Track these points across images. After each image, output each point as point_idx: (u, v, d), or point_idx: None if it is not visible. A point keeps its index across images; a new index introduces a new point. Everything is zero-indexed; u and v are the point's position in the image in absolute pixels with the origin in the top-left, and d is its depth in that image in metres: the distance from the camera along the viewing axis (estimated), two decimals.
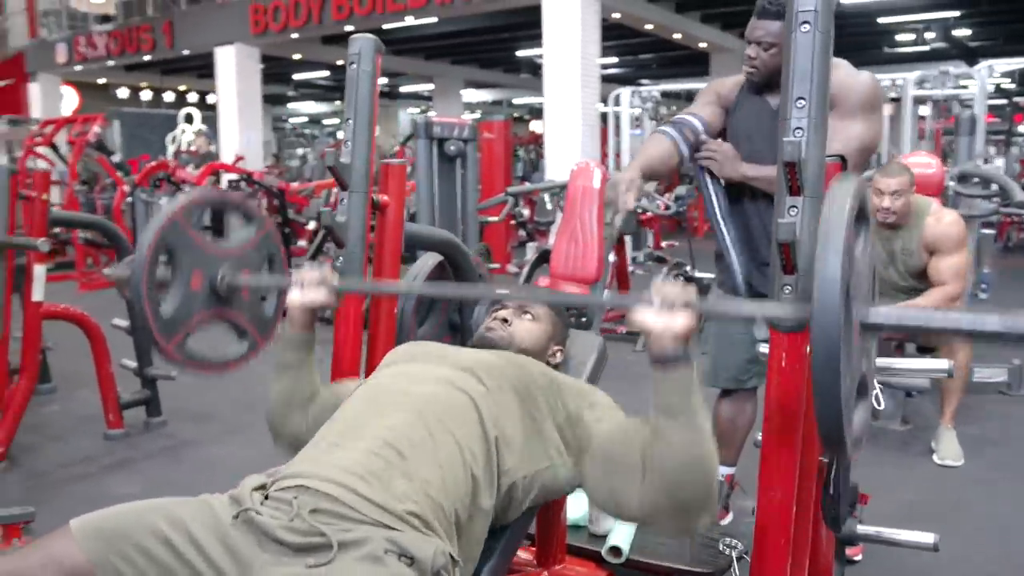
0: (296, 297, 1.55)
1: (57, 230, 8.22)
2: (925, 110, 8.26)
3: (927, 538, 1.90)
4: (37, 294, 3.28)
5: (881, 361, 1.87)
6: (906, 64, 12.59)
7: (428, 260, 2.35)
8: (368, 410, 1.39)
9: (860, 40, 15.54)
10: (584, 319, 5.17)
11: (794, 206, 1.48)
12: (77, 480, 3.11)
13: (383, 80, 21.33)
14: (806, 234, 1.49)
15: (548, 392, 1.47)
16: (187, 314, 1.70)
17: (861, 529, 1.95)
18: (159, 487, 3.21)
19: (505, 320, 1.69)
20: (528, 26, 11.80)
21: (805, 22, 1.46)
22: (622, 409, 1.50)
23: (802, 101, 1.46)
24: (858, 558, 2.43)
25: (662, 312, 1.19)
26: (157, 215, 1.71)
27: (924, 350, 3.46)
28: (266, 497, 1.26)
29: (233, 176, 7.21)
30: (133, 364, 3.72)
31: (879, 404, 1.98)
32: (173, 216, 1.66)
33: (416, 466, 1.27)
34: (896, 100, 8.07)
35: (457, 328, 2.47)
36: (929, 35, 13.39)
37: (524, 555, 1.95)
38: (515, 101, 26.48)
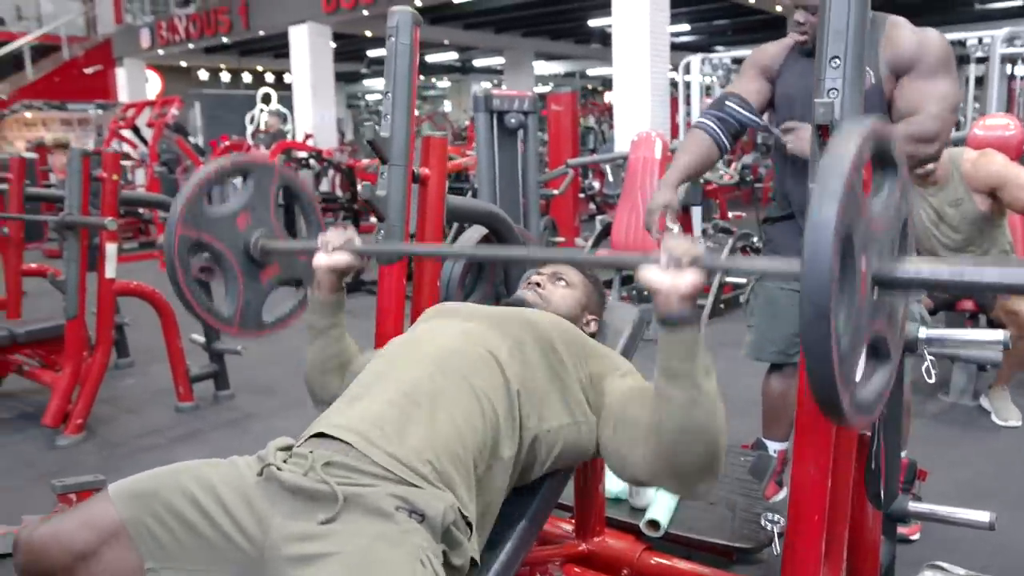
0: (322, 259, 1.57)
1: (141, 211, 8.56)
2: (1019, 70, 7.80)
3: (983, 516, 1.82)
4: (109, 271, 3.41)
5: (932, 332, 1.80)
6: (995, 21, 11.95)
7: (472, 234, 2.35)
8: (390, 364, 1.42)
9: None
10: (646, 292, 5.12)
11: None
12: (148, 450, 3.25)
13: (454, 55, 21.39)
14: None
15: (573, 349, 1.47)
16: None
17: (912, 506, 1.89)
18: (224, 457, 3.31)
19: (539, 285, 1.69)
20: None
21: None
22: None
23: (836, 61, 1.40)
24: (915, 537, 2.35)
25: (669, 269, 1.14)
26: (194, 172, 1.74)
27: (994, 325, 3.34)
28: (291, 456, 1.29)
29: (303, 154, 7.33)
30: (202, 339, 3.84)
31: (930, 376, 1.91)
32: (196, 187, 1.69)
33: (433, 415, 1.28)
34: (983, 60, 7.67)
35: (503, 299, 2.48)
36: None
37: (564, 526, 1.96)
38: (588, 72, 26.17)
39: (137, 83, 18.24)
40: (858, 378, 1.01)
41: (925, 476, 2.48)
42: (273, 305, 1.87)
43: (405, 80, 1.99)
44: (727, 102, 2.31)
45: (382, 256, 1.99)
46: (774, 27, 15.13)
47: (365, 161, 9.60)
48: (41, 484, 2.66)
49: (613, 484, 2.06)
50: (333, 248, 1.56)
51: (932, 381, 1.91)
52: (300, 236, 2.12)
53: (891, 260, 1.03)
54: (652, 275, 1.15)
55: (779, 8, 13.99)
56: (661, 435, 1.25)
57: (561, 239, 6.92)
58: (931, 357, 1.89)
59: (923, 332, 1.80)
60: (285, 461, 1.26)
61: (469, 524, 1.24)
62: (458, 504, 1.22)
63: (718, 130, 2.29)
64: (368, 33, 15.64)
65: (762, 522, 1.87)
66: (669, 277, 1.14)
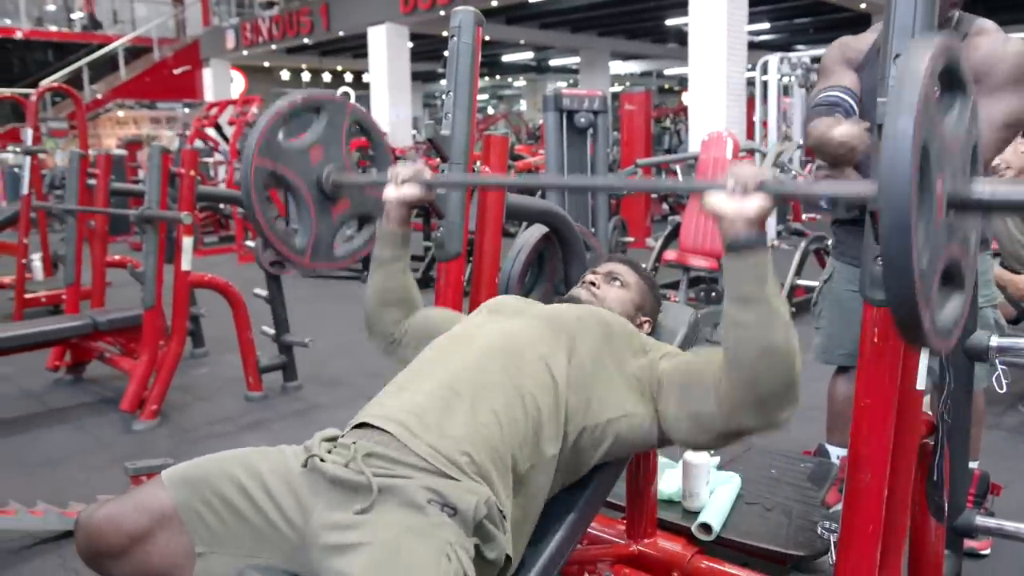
0: (392, 192, 1.62)
1: (221, 205, 8.81)
2: None
3: None
4: (185, 263, 3.53)
5: (1004, 340, 1.73)
6: None
7: (533, 231, 2.36)
8: (437, 356, 1.44)
9: None
10: (714, 294, 5.05)
11: None
12: (217, 437, 3.36)
13: (530, 55, 21.43)
14: None
15: (625, 341, 1.46)
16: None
17: (979, 521, 1.82)
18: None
19: (593, 283, 1.69)
20: None
21: None
22: None
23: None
24: (986, 552, 2.27)
25: (735, 194, 1.15)
26: (271, 105, 1.78)
27: None
28: (335, 446, 1.32)
29: None
30: (272, 331, 3.94)
31: (1001, 387, 1.83)
32: (272, 119, 1.73)
33: (474, 408, 1.29)
34: None
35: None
36: None
37: (615, 527, 1.95)
38: (665, 72, 25.90)
39: (222, 83, 18.82)
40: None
41: (999, 490, 2.38)
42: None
43: (467, 79, 2.01)
44: (833, 92, 2.12)
45: (441, 254, 2.01)
46: (858, 25, 14.70)
47: (438, 159, 9.69)
48: (116, 466, 2.77)
49: (666, 485, 2.04)
50: (402, 180, 1.60)
51: (1003, 391, 1.84)
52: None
53: (965, 181, 1.01)
54: (718, 200, 1.16)
55: (863, 5, 13.60)
56: (740, 365, 1.24)
57: (631, 239, 6.88)
58: (1003, 367, 1.83)
59: (994, 340, 1.74)
60: (329, 452, 1.29)
61: (505, 517, 1.25)
62: (494, 498, 1.23)
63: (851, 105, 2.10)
64: (445, 33, 15.75)
65: (819, 530, 1.82)
66: (735, 201, 1.15)
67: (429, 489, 1.19)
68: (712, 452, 2.04)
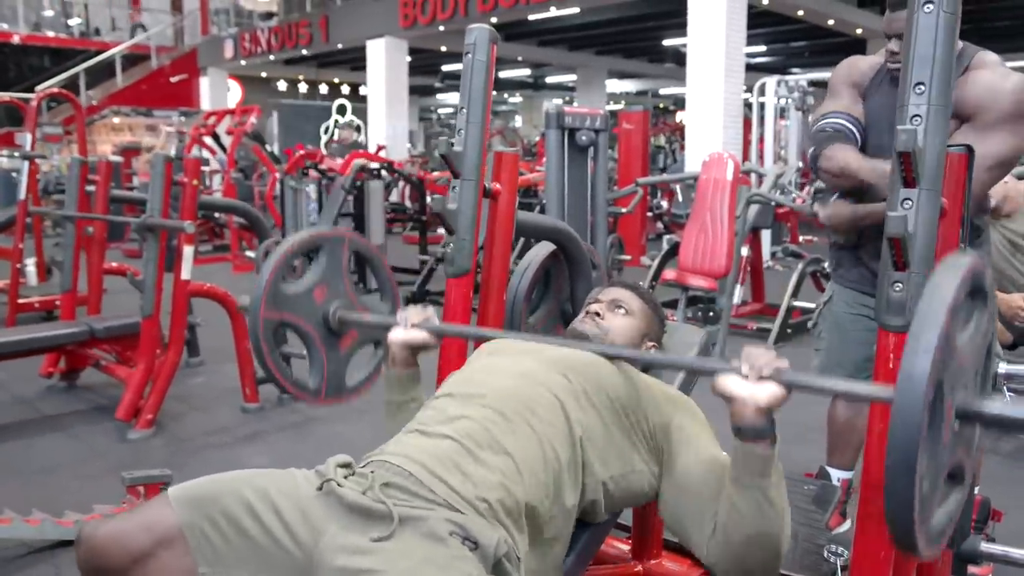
0: (399, 334, 1.55)
1: (217, 215, 8.81)
2: None
3: None
4: (185, 273, 3.52)
5: (1013, 368, 1.75)
6: None
7: (541, 250, 2.36)
8: (454, 401, 1.41)
9: None
10: (712, 314, 5.07)
11: (908, 199, 1.39)
12: (213, 448, 3.33)
13: (527, 71, 21.53)
14: (921, 229, 1.40)
15: (636, 399, 1.45)
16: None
17: (984, 547, 1.82)
18: (285, 460, 3.29)
19: (598, 314, 1.68)
20: (673, 14, 11.61)
21: (928, 1, 1.37)
22: (714, 431, 1.47)
23: (921, 87, 1.37)
24: None
25: (748, 379, 1.11)
26: (271, 255, 1.73)
27: None
28: (351, 474, 1.31)
29: (374, 165, 7.46)
30: None
31: None
32: (273, 271, 1.68)
33: (493, 457, 1.28)
34: None
35: (569, 318, 2.48)
36: None
37: (620, 547, 1.94)
38: (661, 91, 26.05)
39: (219, 92, 18.84)
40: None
41: (1000, 516, 2.38)
42: (352, 367, 1.88)
43: (480, 96, 2.01)
44: (839, 120, 2.18)
45: (451, 271, 2.00)
46: (853, 49, 14.83)
47: (436, 174, 9.72)
48: (111, 475, 2.76)
49: None
50: (411, 324, 1.53)
51: None
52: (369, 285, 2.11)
53: (976, 394, 1.01)
54: (730, 382, 1.12)
55: (859, 31, 13.74)
56: (729, 543, 1.26)
57: (627, 257, 6.90)
58: (1010, 394, 1.84)
59: (1002, 367, 1.75)
60: (345, 478, 1.28)
61: (519, 559, 1.24)
62: (512, 540, 1.22)
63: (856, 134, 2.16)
64: (443, 48, 15.89)
65: (825, 554, 1.82)
66: (748, 386, 1.11)
67: (451, 522, 1.18)
68: None
